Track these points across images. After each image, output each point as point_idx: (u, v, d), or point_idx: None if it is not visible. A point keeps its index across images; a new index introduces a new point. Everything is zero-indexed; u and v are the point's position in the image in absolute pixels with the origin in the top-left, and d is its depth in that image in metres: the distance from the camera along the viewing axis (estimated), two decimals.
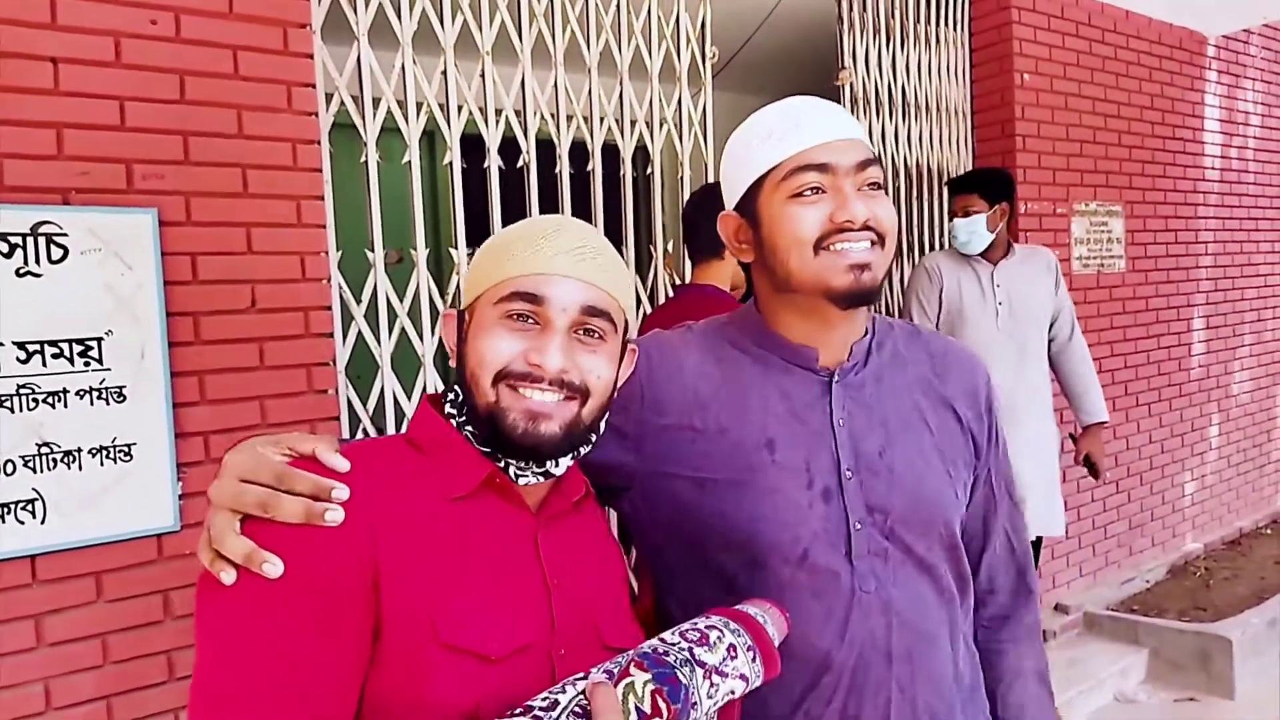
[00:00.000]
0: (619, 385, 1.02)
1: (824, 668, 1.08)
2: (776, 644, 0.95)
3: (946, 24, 3.86)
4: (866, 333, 1.16)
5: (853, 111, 3.52)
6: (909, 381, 1.18)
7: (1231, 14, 4.61)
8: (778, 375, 1.13)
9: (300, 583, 0.80)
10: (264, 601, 0.79)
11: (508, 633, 0.88)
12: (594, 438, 0.99)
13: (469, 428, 0.95)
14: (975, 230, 3.16)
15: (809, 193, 1.06)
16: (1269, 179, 5.32)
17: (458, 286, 2.54)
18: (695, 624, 0.92)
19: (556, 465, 0.95)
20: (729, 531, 1.09)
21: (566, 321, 0.92)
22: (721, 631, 0.91)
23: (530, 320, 0.92)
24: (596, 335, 0.95)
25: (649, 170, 3.04)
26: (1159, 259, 4.60)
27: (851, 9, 3.50)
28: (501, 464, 0.94)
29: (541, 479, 0.96)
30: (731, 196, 1.15)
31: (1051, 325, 3.33)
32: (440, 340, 2.50)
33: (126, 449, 2.00)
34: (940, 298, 3.25)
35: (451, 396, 0.98)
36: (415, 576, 0.86)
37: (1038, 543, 3.34)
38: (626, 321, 1.01)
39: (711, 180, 3.02)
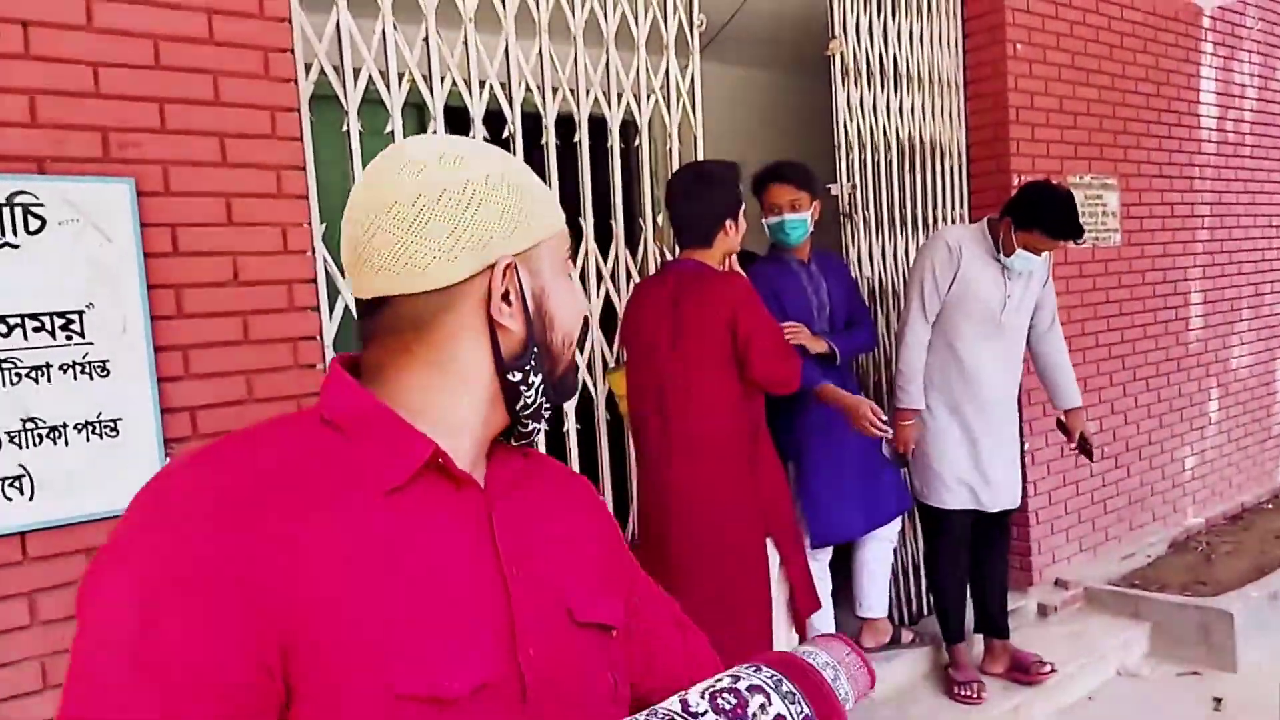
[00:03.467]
0: None
1: None
2: (850, 706, 0.75)
3: None
4: None
5: (842, 82, 3.49)
6: None
7: None
8: None
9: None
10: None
11: (467, 661, 0.75)
12: None
13: (543, 401, 0.86)
14: (1037, 264, 3.12)
15: None
16: (1266, 151, 5.28)
17: None
18: (735, 683, 0.71)
19: None
20: None
21: None
22: (768, 697, 0.70)
23: None
24: None
25: (636, 142, 3.01)
26: (1155, 232, 4.56)
27: None
28: (507, 429, 0.87)
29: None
30: None
31: (1034, 314, 3.30)
32: None
33: (112, 424, 1.98)
34: (954, 279, 3.11)
35: (530, 367, 0.84)
36: (349, 617, 0.70)
37: (1009, 515, 3.38)
38: None
39: (702, 155, 3.00)
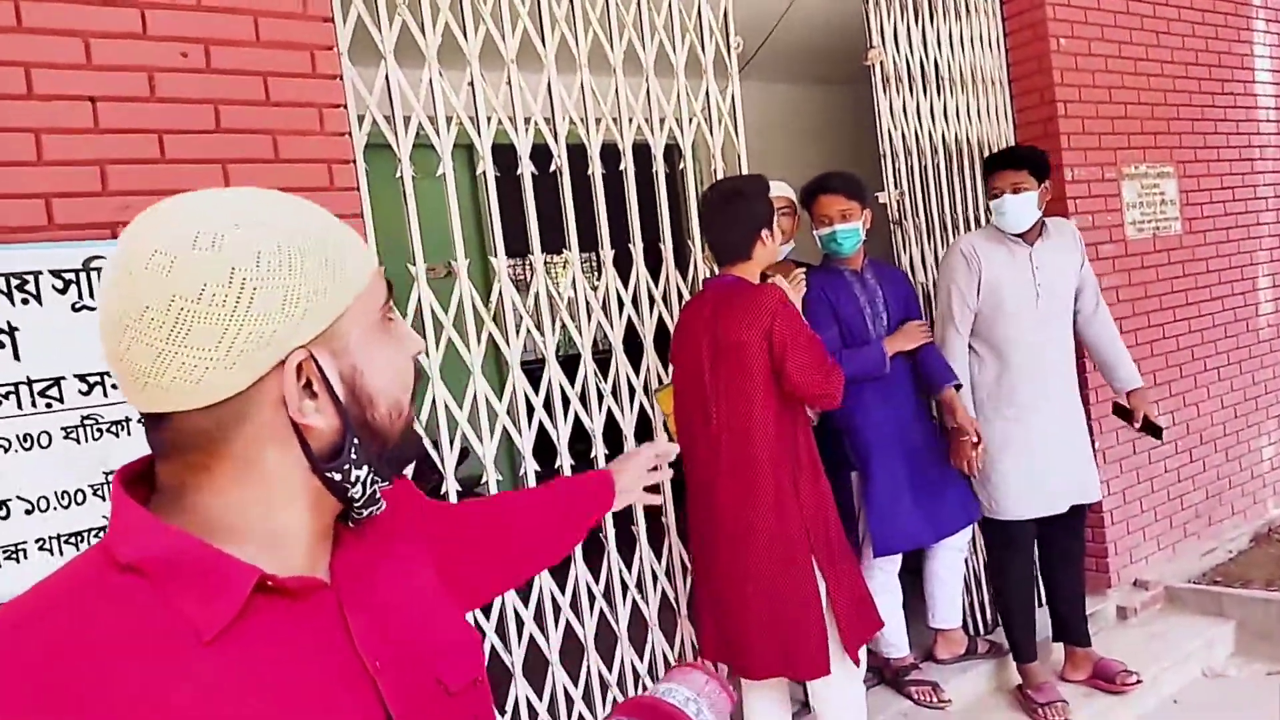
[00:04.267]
0: None
1: None
2: None
3: None
4: None
5: (884, 90, 3.48)
6: None
7: None
8: None
9: None
10: None
11: None
12: None
13: (378, 486, 0.76)
14: (1026, 209, 3.04)
15: None
16: None
17: (500, 295, 2.56)
18: None
19: None
20: None
21: None
22: None
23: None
24: None
25: (681, 166, 3.03)
26: (1216, 218, 4.46)
27: None
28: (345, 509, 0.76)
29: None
30: None
31: (1077, 298, 3.24)
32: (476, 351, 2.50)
33: None
34: (979, 285, 3.11)
35: (351, 462, 0.72)
36: None
37: (1082, 510, 3.27)
38: None
39: (747, 173, 3.01)
